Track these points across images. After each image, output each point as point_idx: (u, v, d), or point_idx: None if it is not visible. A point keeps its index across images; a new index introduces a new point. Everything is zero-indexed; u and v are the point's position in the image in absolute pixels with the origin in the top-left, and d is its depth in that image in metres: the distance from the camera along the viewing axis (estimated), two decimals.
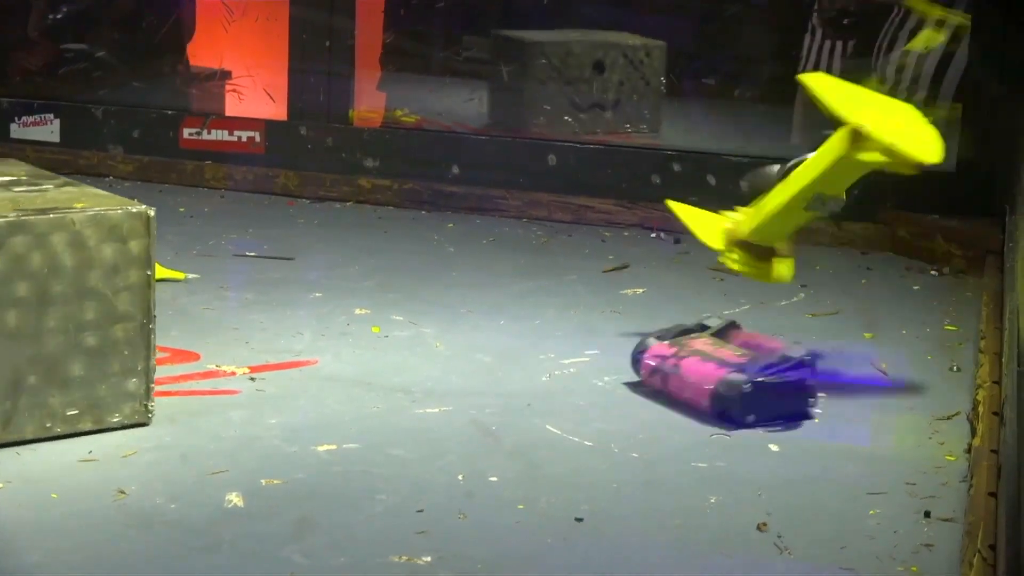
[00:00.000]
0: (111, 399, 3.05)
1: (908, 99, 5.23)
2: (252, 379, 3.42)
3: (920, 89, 5.21)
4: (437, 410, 3.27)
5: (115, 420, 3.06)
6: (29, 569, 2.47)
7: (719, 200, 5.05)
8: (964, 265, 4.64)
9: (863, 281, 4.52)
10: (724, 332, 3.48)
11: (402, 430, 3.15)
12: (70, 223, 2.98)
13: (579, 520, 2.72)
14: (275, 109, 5.68)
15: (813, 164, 3.37)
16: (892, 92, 5.32)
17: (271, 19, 5.73)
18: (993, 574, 2.31)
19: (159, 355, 3.53)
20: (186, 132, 5.63)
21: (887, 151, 3.23)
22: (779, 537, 2.67)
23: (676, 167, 5.19)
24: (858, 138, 3.24)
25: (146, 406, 3.09)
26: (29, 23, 6.19)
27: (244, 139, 5.58)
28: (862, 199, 4.94)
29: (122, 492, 2.76)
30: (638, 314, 4.05)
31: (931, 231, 4.78)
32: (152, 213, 3.07)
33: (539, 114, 5.79)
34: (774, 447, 3.12)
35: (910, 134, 3.25)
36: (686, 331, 3.48)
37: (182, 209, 5.16)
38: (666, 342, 3.43)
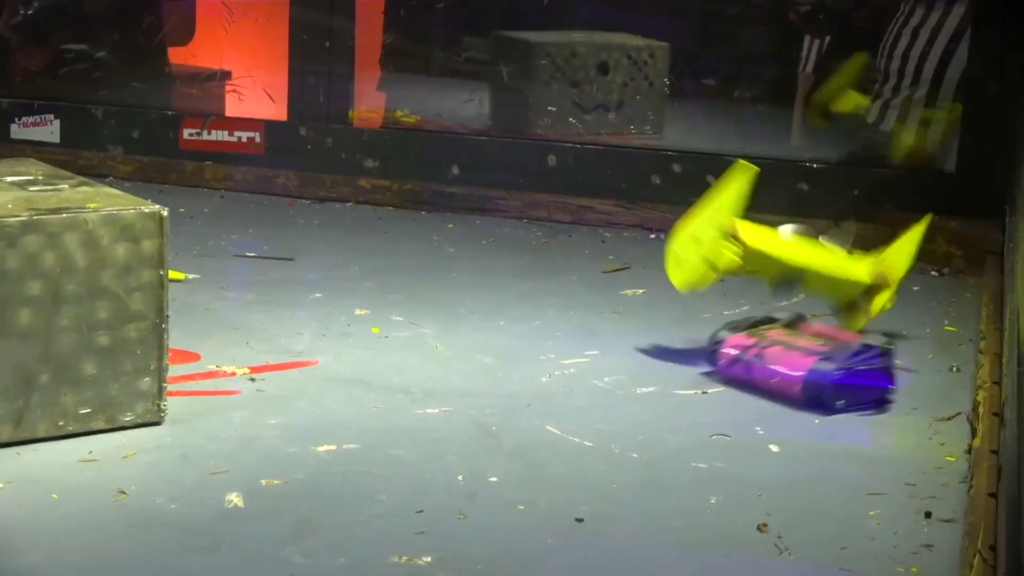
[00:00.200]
0: (123, 398, 3.06)
1: (908, 99, 5.24)
2: (252, 379, 3.42)
3: (920, 89, 5.21)
4: (437, 410, 3.27)
5: (127, 419, 3.07)
6: (29, 569, 2.47)
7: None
8: (964, 266, 4.65)
9: None
10: (794, 324, 3.59)
11: (402, 430, 3.15)
12: (83, 223, 2.99)
13: (579, 520, 2.72)
14: (275, 110, 5.68)
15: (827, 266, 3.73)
16: (894, 91, 5.32)
17: (271, 19, 5.73)
18: (993, 575, 2.30)
19: None
20: (186, 132, 5.64)
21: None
22: (779, 538, 2.67)
23: (676, 167, 5.19)
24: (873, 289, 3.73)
25: (158, 405, 3.11)
26: (1, 20, 6.19)
27: (244, 140, 5.58)
28: (863, 200, 4.97)
29: (122, 492, 2.76)
30: (638, 315, 4.05)
31: (931, 232, 4.77)
32: (166, 213, 3.10)
33: (543, 116, 5.79)
34: (774, 448, 3.12)
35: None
36: (758, 323, 3.58)
37: (182, 210, 5.16)
38: (743, 332, 3.50)
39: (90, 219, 3.00)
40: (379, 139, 5.51)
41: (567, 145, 5.38)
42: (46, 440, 2.98)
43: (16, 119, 5.80)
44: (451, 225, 5.11)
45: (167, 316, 3.12)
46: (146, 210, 3.08)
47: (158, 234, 3.08)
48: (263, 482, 2.84)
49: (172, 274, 4.19)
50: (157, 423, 3.10)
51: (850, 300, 3.78)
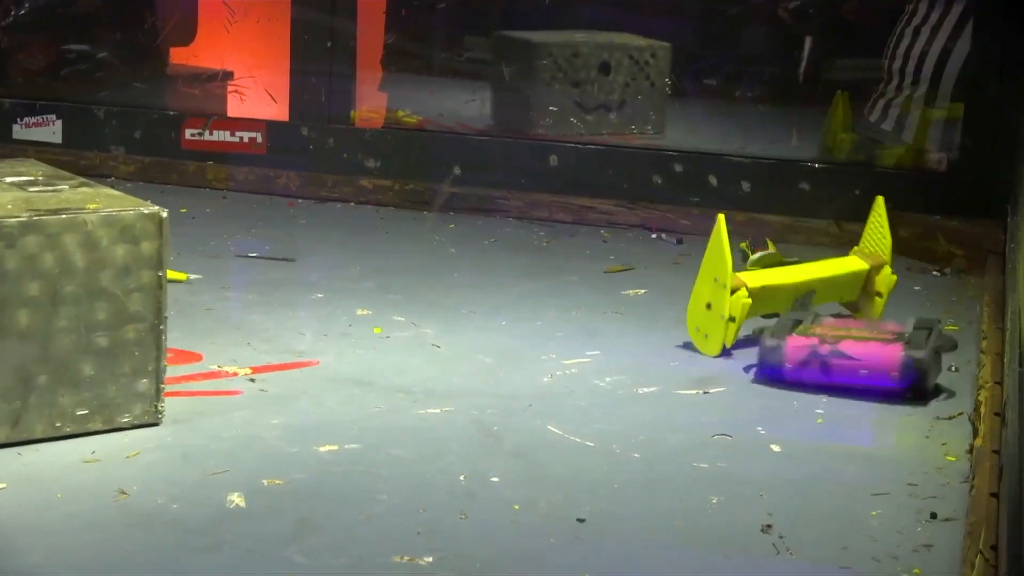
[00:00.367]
0: (121, 399, 3.06)
1: (909, 98, 5.24)
2: (253, 380, 3.42)
3: (920, 88, 5.21)
4: (438, 411, 3.27)
5: (125, 420, 3.07)
6: (31, 569, 2.48)
7: (720, 201, 5.10)
8: (965, 265, 4.65)
9: None
10: (820, 320, 3.63)
11: (403, 430, 3.15)
12: (82, 223, 2.99)
13: (581, 520, 2.72)
14: (277, 110, 5.68)
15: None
16: (897, 91, 5.32)
17: (272, 20, 5.73)
18: (995, 574, 2.30)
19: None
20: (188, 133, 5.64)
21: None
22: (780, 537, 2.67)
23: (678, 167, 5.19)
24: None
25: (156, 406, 3.11)
26: None
27: (246, 140, 5.58)
28: (863, 200, 4.96)
29: (123, 492, 2.76)
30: (639, 315, 4.05)
31: (932, 231, 4.78)
32: (165, 214, 3.09)
33: (545, 116, 5.79)
34: (775, 447, 3.12)
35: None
36: (796, 322, 3.58)
37: (184, 210, 5.16)
38: (796, 334, 3.50)
39: (89, 220, 3.00)
40: (381, 139, 5.51)
41: (568, 145, 5.38)
42: (46, 440, 2.98)
43: (18, 119, 5.80)
44: (452, 225, 5.11)
45: (166, 317, 3.12)
46: (145, 211, 3.09)
47: (157, 235, 3.09)
48: (264, 482, 2.84)
49: (174, 274, 4.20)
50: (155, 424, 3.10)
51: (859, 293, 3.98)
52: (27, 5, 6.18)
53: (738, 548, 2.64)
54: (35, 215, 2.97)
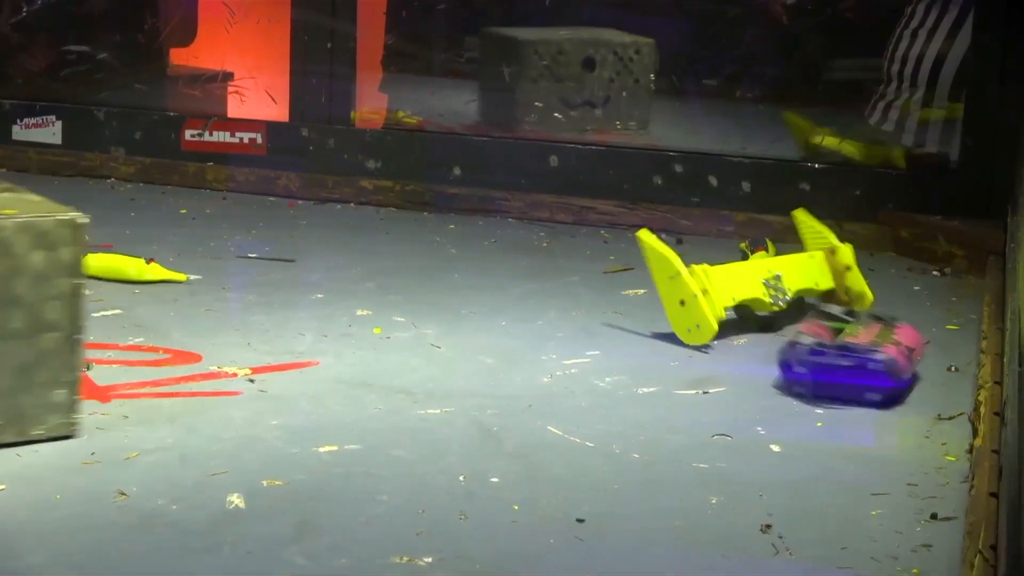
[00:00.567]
0: (36, 411, 2.97)
1: (909, 100, 5.25)
2: (253, 380, 3.42)
3: (918, 89, 5.21)
4: (438, 411, 3.27)
5: (39, 432, 2.98)
6: (31, 570, 2.48)
7: (720, 201, 5.10)
8: (965, 265, 4.64)
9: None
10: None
11: (403, 431, 3.15)
12: None
13: (580, 521, 2.72)
14: (277, 111, 5.68)
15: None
16: (896, 93, 5.33)
17: (273, 21, 5.73)
18: (994, 574, 2.30)
19: (161, 356, 3.55)
20: (188, 134, 5.64)
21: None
22: (780, 537, 2.67)
23: (678, 168, 5.19)
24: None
25: (72, 418, 3.01)
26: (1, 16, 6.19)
27: (246, 141, 5.59)
28: (864, 200, 4.97)
29: (123, 494, 2.76)
30: (639, 315, 4.05)
31: (932, 232, 4.78)
32: (83, 221, 2.99)
33: (531, 112, 5.80)
34: (775, 448, 3.12)
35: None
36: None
37: (184, 211, 5.17)
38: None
39: (5, 226, 2.92)
40: (381, 140, 5.52)
41: (569, 146, 5.38)
42: (45, 441, 2.98)
43: (18, 121, 5.80)
44: (453, 226, 5.11)
45: (82, 327, 3.01)
46: (62, 218, 2.97)
47: (74, 242, 2.97)
48: (264, 483, 2.84)
49: (174, 275, 4.21)
50: (70, 436, 3.01)
51: (833, 279, 4.06)
52: (37, 3, 6.18)
53: (738, 548, 2.64)
54: None
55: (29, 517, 2.67)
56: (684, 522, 2.75)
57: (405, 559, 2.54)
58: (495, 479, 2.90)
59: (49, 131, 5.78)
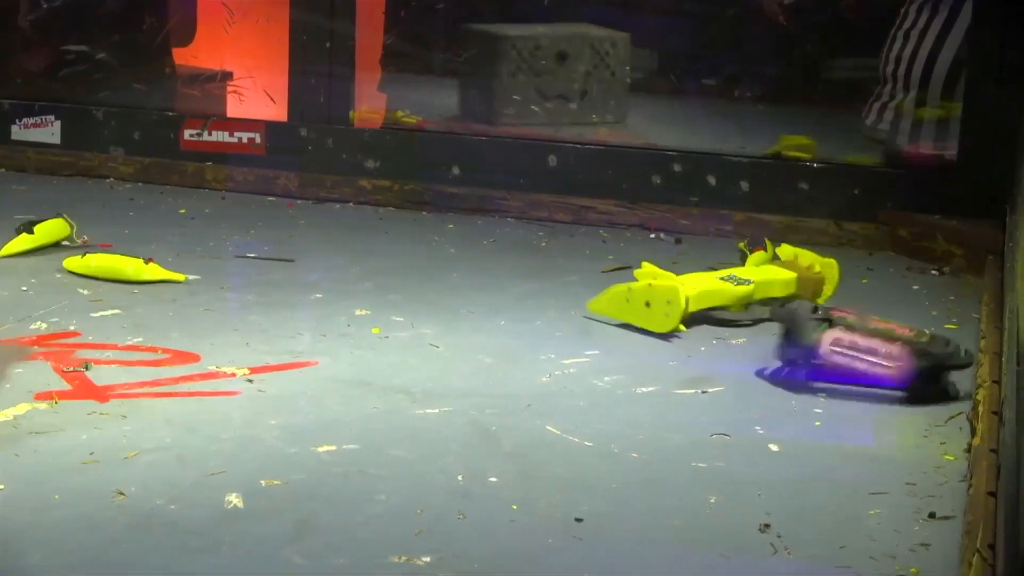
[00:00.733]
0: None
1: (906, 100, 5.25)
2: (252, 380, 3.42)
3: (911, 90, 5.22)
4: (437, 411, 3.27)
5: None
6: (30, 570, 2.48)
7: (719, 200, 5.10)
8: (964, 265, 4.64)
9: (863, 281, 4.53)
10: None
11: (402, 431, 3.15)
12: None
13: (579, 520, 2.72)
14: (276, 110, 5.68)
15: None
16: (891, 95, 5.33)
17: (271, 20, 5.73)
18: (992, 574, 2.31)
19: (160, 356, 3.56)
20: (187, 134, 5.64)
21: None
22: (778, 537, 2.67)
23: (677, 167, 5.19)
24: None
25: None
26: (20, 13, 6.18)
27: (245, 140, 5.58)
28: (863, 199, 4.97)
29: (121, 493, 2.76)
30: None
31: (931, 231, 4.78)
32: None
33: (508, 105, 5.82)
34: (774, 447, 3.12)
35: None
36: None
37: (183, 210, 5.16)
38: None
39: None
40: (380, 140, 5.52)
41: (568, 145, 5.38)
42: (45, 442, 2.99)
43: (17, 120, 5.80)
44: (452, 225, 5.11)
45: None
46: None
47: None
48: (263, 482, 2.84)
49: (173, 275, 4.21)
50: None
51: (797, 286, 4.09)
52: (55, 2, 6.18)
53: (736, 547, 2.64)
54: None
55: (28, 517, 2.67)
56: (683, 521, 2.75)
57: (403, 559, 2.54)
58: (494, 479, 2.91)
59: (48, 131, 5.78)
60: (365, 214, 5.27)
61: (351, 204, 5.38)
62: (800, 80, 5.91)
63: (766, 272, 4.13)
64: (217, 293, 4.15)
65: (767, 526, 2.71)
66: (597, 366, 3.61)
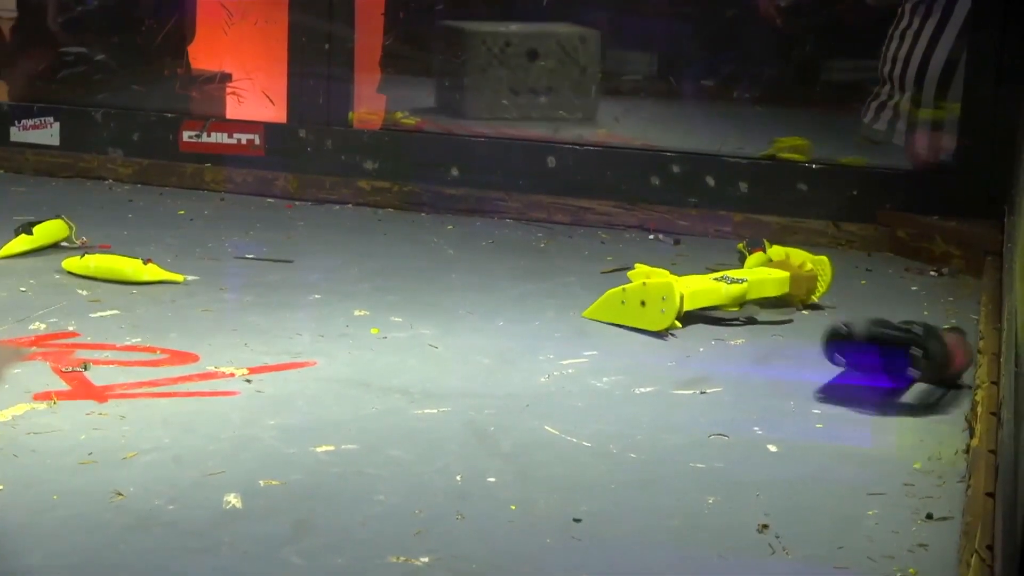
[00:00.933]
0: None
1: (905, 100, 5.25)
2: (250, 380, 3.43)
3: (917, 89, 5.22)
4: (435, 411, 3.27)
5: None
6: (29, 570, 2.48)
7: (718, 201, 5.10)
8: (963, 266, 4.65)
9: (862, 281, 4.53)
10: None
11: (400, 431, 3.15)
12: None
13: (577, 521, 2.72)
14: (274, 112, 5.68)
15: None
16: (890, 95, 5.33)
17: (270, 22, 5.73)
18: (991, 574, 2.31)
19: (159, 356, 3.56)
20: (186, 135, 5.64)
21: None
22: (777, 537, 2.67)
23: (675, 168, 5.19)
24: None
25: None
26: (49, 16, 6.18)
27: (244, 142, 5.59)
28: (861, 199, 4.97)
29: (120, 494, 2.76)
30: None
31: (930, 232, 4.79)
32: None
33: (479, 99, 5.84)
34: (772, 448, 3.12)
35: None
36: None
37: (182, 212, 5.17)
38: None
39: None
40: (379, 141, 5.52)
41: (566, 147, 5.38)
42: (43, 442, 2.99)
43: (16, 122, 5.81)
44: (450, 227, 5.12)
45: None
46: None
47: None
48: (261, 483, 2.84)
49: (171, 276, 4.21)
50: None
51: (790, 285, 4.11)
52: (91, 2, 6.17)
53: (734, 548, 2.64)
54: None
55: (26, 518, 2.67)
56: (681, 522, 2.75)
57: (402, 559, 2.54)
58: (492, 479, 2.91)
59: (47, 132, 5.78)
60: (364, 215, 5.28)
61: (350, 205, 5.39)
62: (798, 81, 5.92)
63: (759, 271, 4.13)
64: (216, 294, 4.15)
65: (765, 526, 2.71)
66: (595, 367, 3.61)
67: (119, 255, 4.28)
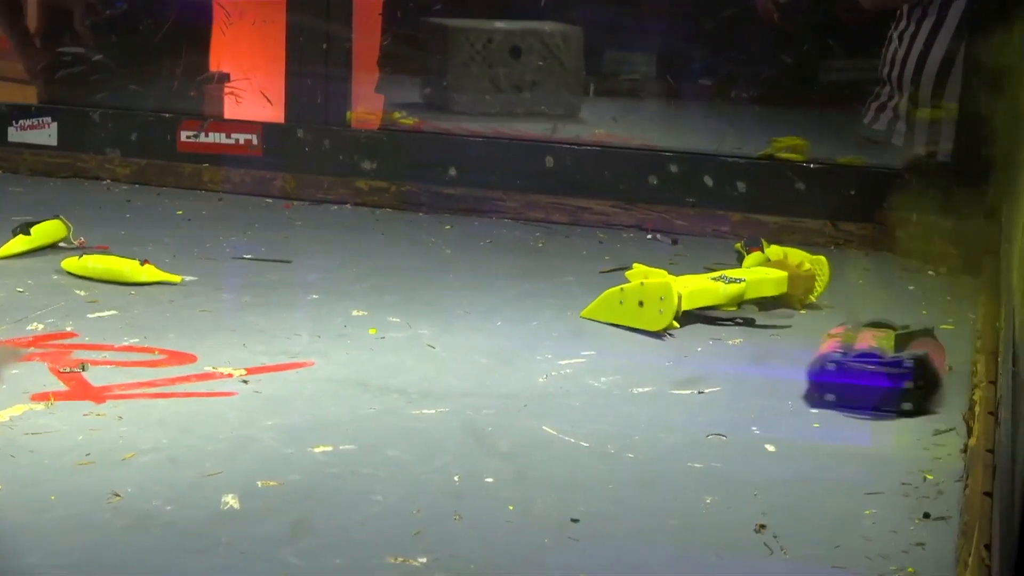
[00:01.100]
0: None
1: (904, 100, 5.25)
2: (248, 381, 3.42)
3: (915, 89, 5.22)
4: (433, 411, 3.27)
5: None
6: (26, 571, 2.48)
7: (716, 201, 5.10)
8: (960, 265, 4.65)
9: (859, 281, 4.53)
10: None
11: (398, 431, 3.15)
12: None
13: (575, 521, 2.72)
14: (272, 112, 5.68)
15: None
16: (889, 96, 5.33)
17: (268, 22, 5.73)
18: (988, 574, 2.31)
19: (156, 357, 3.56)
20: (184, 135, 5.64)
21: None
22: (774, 537, 2.67)
23: (673, 168, 5.19)
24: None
25: None
26: (75, 18, 6.18)
27: (242, 142, 5.59)
28: (859, 199, 4.97)
29: (117, 495, 2.76)
30: None
31: (928, 231, 4.78)
32: None
33: (463, 95, 5.85)
34: (770, 448, 3.12)
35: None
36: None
37: (180, 212, 5.17)
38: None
39: None
40: (377, 141, 5.52)
41: (564, 146, 5.39)
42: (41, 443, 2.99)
43: (13, 122, 5.80)
44: (448, 226, 5.12)
45: None
46: None
47: None
48: (259, 483, 2.84)
49: (169, 277, 4.21)
50: None
51: (783, 292, 4.11)
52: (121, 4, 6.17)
53: (732, 548, 2.64)
54: None
55: (24, 518, 2.67)
56: (679, 522, 2.75)
57: (400, 559, 2.54)
58: (490, 479, 2.91)
59: (44, 133, 5.78)
60: (362, 215, 5.28)
61: (348, 205, 5.39)
62: (796, 81, 5.92)
63: (757, 271, 4.13)
64: (214, 294, 4.15)
65: (763, 526, 2.71)
66: (593, 366, 3.61)
67: (117, 255, 4.28)
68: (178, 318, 3.89)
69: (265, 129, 5.58)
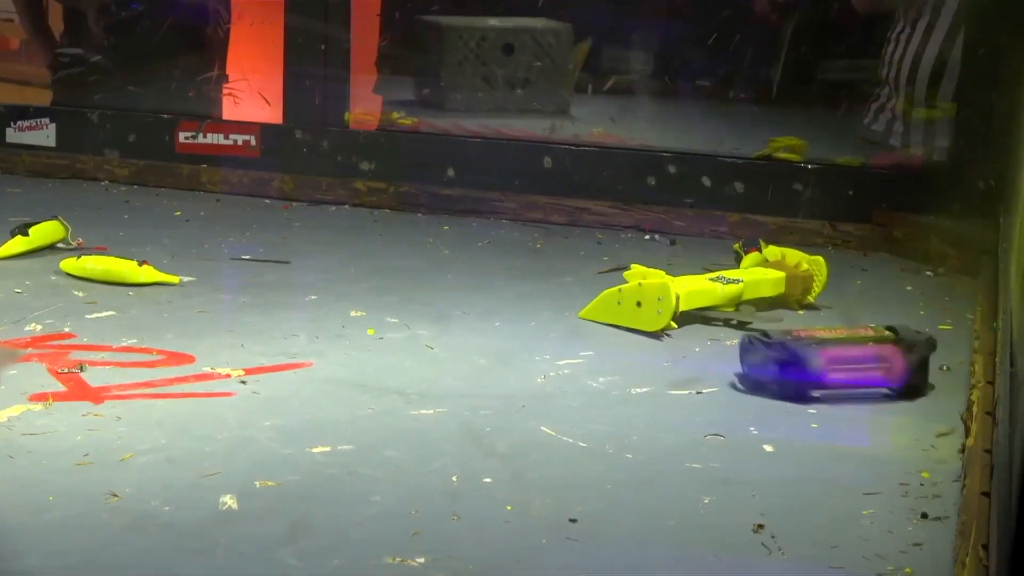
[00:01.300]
0: None
1: (902, 100, 5.25)
2: (246, 381, 3.43)
3: (913, 89, 5.23)
4: (431, 412, 3.27)
5: None
6: (25, 572, 2.48)
7: (714, 201, 5.11)
8: (958, 265, 4.65)
9: (857, 281, 4.53)
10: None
11: (396, 432, 3.15)
12: None
13: (573, 521, 2.72)
14: (271, 113, 5.68)
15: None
16: (888, 97, 5.34)
17: (266, 23, 5.73)
18: (986, 574, 2.31)
19: (155, 357, 3.56)
20: (182, 136, 5.64)
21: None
22: (772, 537, 2.67)
23: (671, 169, 5.20)
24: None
25: None
26: (90, 19, 6.18)
27: (240, 143, 5.59)
28: (857, 199, 4.98)
29: (115, 495, 2.76)
30: None
31: (926, 232, 4.79)
32: None
33: (456, 92, 5.87)
34: (768, 448, 3.12)
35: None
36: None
37: (178, 213, 5.17)
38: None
39: None
40: (375, 141, 5.52)
41: (562, 147, 5.39)
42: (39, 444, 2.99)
43: (11, 123, 5.80)
44: (447, 227, 5.12)
45: None
46: None
47: None
48: (257, 484, 2.84)
49: (167, 277, 4.21)
50: None
51: (781, 293, 4.12)
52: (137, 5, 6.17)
53: (730, 548, 2.64)
54: None
55: (22, 519, 2.67)
56: (677, 522, 2.75)
57: (398, 560, 2.54)
58: (488, 480, 2.91)
59: (43, 133, 5.78)
60: (360, 216, 5.28)
61: (346, 206, 5.39)
62: (794, 81, 5.92)
63: (755, 271, 4.14)
64: (212, 295, 4.15)
65: (761, 527, 2.71)
66: (591, 367, 3.61)
67: (115, 256, 4.28)
68: (176, 319, 3.89)
69: (263, 130, 5.59)
